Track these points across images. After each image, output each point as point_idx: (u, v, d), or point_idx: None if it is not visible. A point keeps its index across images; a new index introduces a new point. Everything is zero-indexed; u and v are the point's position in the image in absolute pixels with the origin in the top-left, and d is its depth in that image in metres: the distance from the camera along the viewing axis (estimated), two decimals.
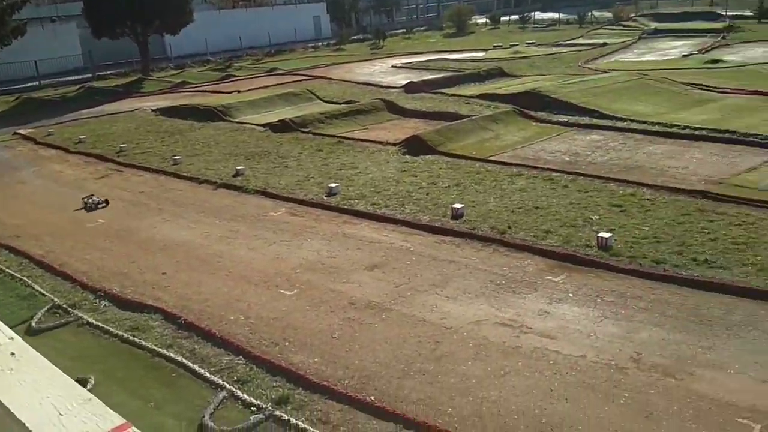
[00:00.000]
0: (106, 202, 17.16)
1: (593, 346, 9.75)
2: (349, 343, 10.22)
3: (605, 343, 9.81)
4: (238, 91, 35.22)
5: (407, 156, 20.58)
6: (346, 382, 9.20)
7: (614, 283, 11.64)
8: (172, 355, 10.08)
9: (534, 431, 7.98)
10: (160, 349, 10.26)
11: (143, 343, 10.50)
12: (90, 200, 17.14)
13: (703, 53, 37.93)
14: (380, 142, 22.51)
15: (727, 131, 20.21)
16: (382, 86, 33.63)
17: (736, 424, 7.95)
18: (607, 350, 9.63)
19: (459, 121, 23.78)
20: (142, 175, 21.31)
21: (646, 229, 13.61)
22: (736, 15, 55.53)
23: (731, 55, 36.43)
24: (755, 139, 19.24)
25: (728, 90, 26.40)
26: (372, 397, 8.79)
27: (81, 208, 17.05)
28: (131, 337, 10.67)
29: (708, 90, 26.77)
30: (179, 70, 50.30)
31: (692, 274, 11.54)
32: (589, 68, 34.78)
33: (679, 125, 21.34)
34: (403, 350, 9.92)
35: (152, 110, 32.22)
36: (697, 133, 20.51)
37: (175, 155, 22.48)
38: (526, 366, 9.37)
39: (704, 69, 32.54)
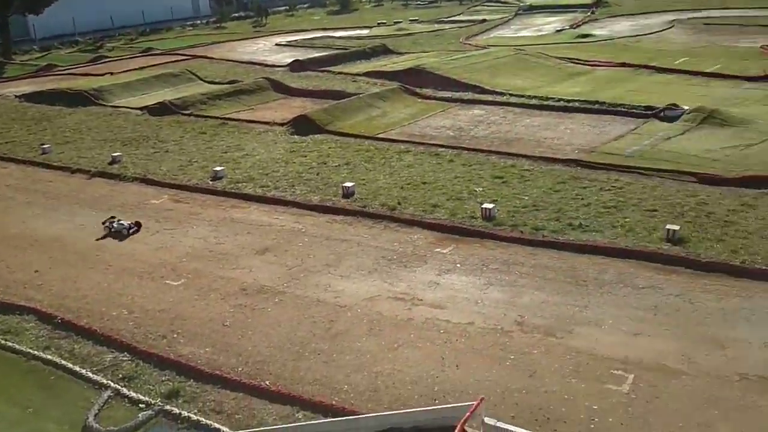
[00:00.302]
0: (138, 225, 13.80)
1: (480, 313, 10.15)
2: (242, 329, 10.03)
3: (491, 309, 10.24)
4: (111, 73, 33.20)
5: (295, 136, 20.31)
6: (240, 369, 9.04)
7: (498, 251, 12.14)
8: (49, 357, 9.47)
9: (428, 399, 8.22)
10: (36, 352, 9.60)
11: (17, 346, 9.78)
12: (115, 224, 13.62)
13: (575, 28, 39.93)
14: (267, 123, 22.05)
15: (597, 102, 21.48)
16: (266, 65, 32.89)
17: (612, 375, 8.57)
18: (493, 316, 10.06)
19: (346, 99, 23.73)
20: (6, 167, 19.66)
21: (526, 198, 14.27)
22: None
23: (600, 30, 38.62)
24: (623, 109, 20.59)
25: (598, 63, 28.02)
26: (267, 382, 8.69)
27: (104, 237, 13.57)
28: (3, 341, 9.92)
29: (580, 63, 28.27)
30: (45, 53, 46.53)
31: (568, 239, 12.26)
32: (470, 44, 35.70)
33: (554, 98, 22.43)
34: (297, 332, 9.86)
35: (16, 96, 29.73)
36: (570, 105, 21.65)
37: (43, 144, 20.89)
38: (419, 337, 9.61)
39: (576, 43, 34.31)
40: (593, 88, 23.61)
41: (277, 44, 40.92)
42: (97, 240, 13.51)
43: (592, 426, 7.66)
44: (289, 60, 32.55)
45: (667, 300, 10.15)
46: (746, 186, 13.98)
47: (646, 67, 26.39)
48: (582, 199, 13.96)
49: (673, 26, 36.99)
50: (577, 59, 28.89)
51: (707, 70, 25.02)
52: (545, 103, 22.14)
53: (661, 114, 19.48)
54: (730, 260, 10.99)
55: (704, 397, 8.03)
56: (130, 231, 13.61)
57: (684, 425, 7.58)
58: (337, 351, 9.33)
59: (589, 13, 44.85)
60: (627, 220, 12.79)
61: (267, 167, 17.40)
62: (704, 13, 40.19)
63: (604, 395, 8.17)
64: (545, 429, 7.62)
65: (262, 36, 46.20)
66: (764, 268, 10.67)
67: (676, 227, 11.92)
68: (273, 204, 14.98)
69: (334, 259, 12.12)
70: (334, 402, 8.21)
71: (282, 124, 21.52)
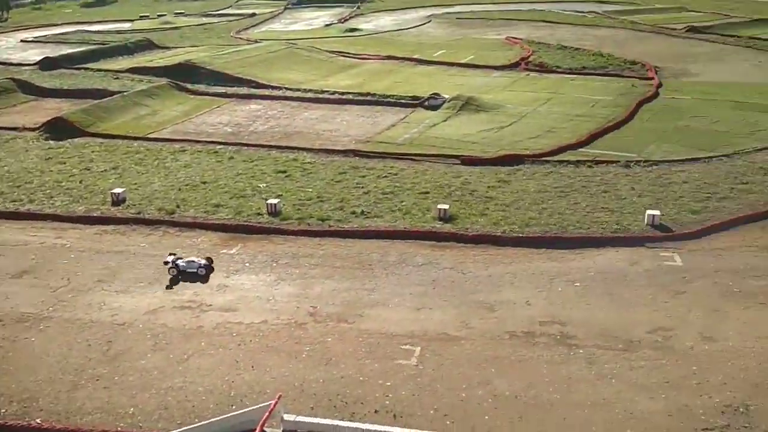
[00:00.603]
0: (210, 262, 11.16)
1: (273, 310, 10.04)
2: (1, 366, 8.75)
3: (284, 304, 10.17)
4: None
5: (51, 141, 18.21)
6: (4, 411, 7.88)
7: (287, 245, 12.10)
8: None
9: (224, 407, 7.90)
10: None
11: None
12: (181, 262, 10.94)
13: (343, 22, 41.32)
14: (14, 128, 19.46)
15: (368, 94, 22.41)
16: (11, 64, 29.06)
17: (401, 350, 9.01)
18: (286, 311, 10.00)
19: (109, 98, 21.87)
20: None
21: (310, 190, 14.42)
22: None
23: (366, 24, 40.39)
24: (392, 100, 21.73)
25: (366, 56, 29.25)
26: (38, 420, 7.70)
27: (174, 282, 10.84)
28: None
29: (349, 57, 29.27)
30: None
31: (353, 226, 12.63)
32: (241, 38, 35.11)
33: (328, 91, 22.96)
34: (70, 359, 8.86)
35: None
36: (344, 97, 22.32)
37: None
38: (210, 344, 9.21)
39: (344, 37, 35.47)
40: (364, 81, 24.60)
41: (22, 41, 36.48)
42: (168, 288, 10.67)
43: (387, 402, 7.98)
44: (39, 57, 29.13)
45: (443, 273, 10.95)
46: (501, 164, 15.59)
47: (409, 59, 28.15)
48: (362, 187, 14.48)
49: (430, 21, 39.96)
50: (346, 52, 29.87)
51: (462, 61, 27.44)
52: (321, 96, 22.56)
53: (426, 103, 20.92)
54: (493, 231, 12.18)
55: (482, 357, 8.80)
56: (202, 269, 10.97)
57: (467, 386, 8.24)
58: (119, 373, 8.58)
59: (355, 8, 46.62)
60: (404, 203, 13.54)
61: (18, 178, 15.38)
62: (456, 8, 44.00)
63: (395, 371, 8.57)
64: (344, 413, 7.77)
65: (3, 32, 40.74)
66: (521, 235, 12.01)
67: (446, 206, 12.90)
68: (28, 219, 13.29)
69: (108, 274, 11.13)
70: (119, 428, 7.55)
71: (34, 129, 19.18)
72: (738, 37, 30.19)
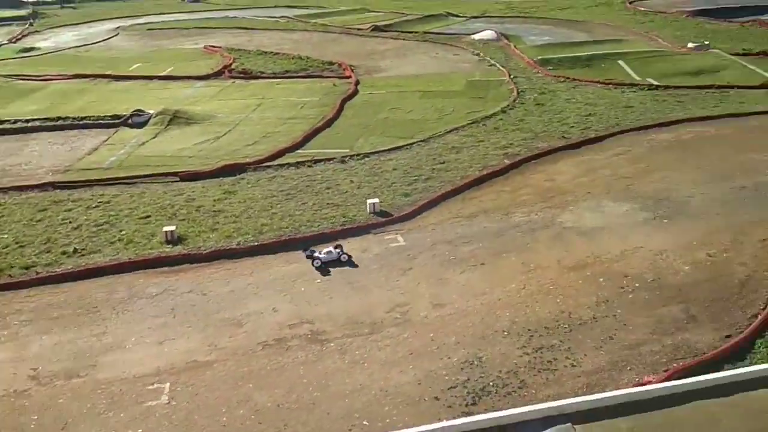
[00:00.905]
0: (340, 249, 11.23)
1: None
2: None
3: None
4: None
5: None
6: None
7: None
8: None
9: None
10: None
11: None
12: (321, 254, 10.94)
13: (15, 42, 36.46)
14: None
15: (60, 118, 20.07)
16: None
17: (149, 391, 8.29)
18: (1, 380, 8.47)
19: None
20: None
21: (5, 236, 12.41)
22: (39, 1, 55.10)
23: (44, 42, 36.06)
24: (90, 122, 19.77)
25: (50, 77, 26.16)
26: None
27: (324, 271, 10.50)
28: None
29: (29, 79, 25.89)
30: None
31: (66, 268, 11.20)
32: None
33: (9, 120, 19.99)
34: None
35: None
36: (30, 125, 19.65)
37: None
38: None
39: (20, 58, 31.32)
40: (51, 104, 21.98)
41: None
42: (325, 276, 10.70)
43: None
44: None
45: (182, 299, 10.33)
46: (223, 175, 15.24)
47: (102, 76, 25.94)
48: (70, 222, 12.95)
49: (118, 34, 37.35)
50: (25, 75, 26.45)
51: (162, 74, 26.15)
52: (0, 126, 19.57)
53: (129, 121, 19.49)
54: (227, 245, 11.86)
55: (238, 376, 8.53)
56: (342, 257, 11.25)
57: (227, 409, 7.91)
58: None
59: (27, 25, 41.51)
60: (123, 232, 12.45)
61: None
62: (144, 19, 41.79)
63: (146, 415, 7.86)
64: None
65: None
66: (256, 244, 11.89)
67: (173, 227, 12.18)
68: None
69: None
70: None
71: None
72: (415, 32, 33.84)
